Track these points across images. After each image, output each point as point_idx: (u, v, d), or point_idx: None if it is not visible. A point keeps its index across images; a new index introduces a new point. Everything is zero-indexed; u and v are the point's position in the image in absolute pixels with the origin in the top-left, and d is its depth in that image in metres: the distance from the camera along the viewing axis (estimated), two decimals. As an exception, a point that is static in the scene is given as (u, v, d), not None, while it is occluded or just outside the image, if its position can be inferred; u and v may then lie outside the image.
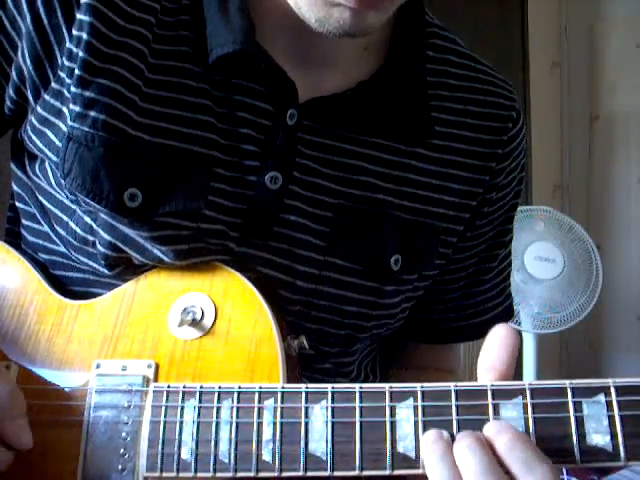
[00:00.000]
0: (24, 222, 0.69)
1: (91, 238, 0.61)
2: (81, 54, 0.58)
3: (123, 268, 0.61)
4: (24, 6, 0.59)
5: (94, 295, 0.62)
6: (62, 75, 0.59)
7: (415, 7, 0.68)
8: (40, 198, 0.66)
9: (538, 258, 2.09)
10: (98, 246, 0.60)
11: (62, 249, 0.64)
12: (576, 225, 2.15)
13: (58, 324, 0.60)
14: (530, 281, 2.09)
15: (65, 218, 0.63)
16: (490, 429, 0.47)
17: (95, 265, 0.62)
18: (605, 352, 2.89)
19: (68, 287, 0.65)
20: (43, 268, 0.66)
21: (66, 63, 0.59)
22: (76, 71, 0.58)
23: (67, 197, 0.60)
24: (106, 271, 0.61)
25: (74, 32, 0.58)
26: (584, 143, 2.94)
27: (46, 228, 0.66)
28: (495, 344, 0.50)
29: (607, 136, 2.88)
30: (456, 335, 0.78)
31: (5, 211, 0.74)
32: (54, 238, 0.65)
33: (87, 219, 0.61)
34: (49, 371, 0.58)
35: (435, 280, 0.74)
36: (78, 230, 0.61)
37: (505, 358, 0.50)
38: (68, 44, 0.59)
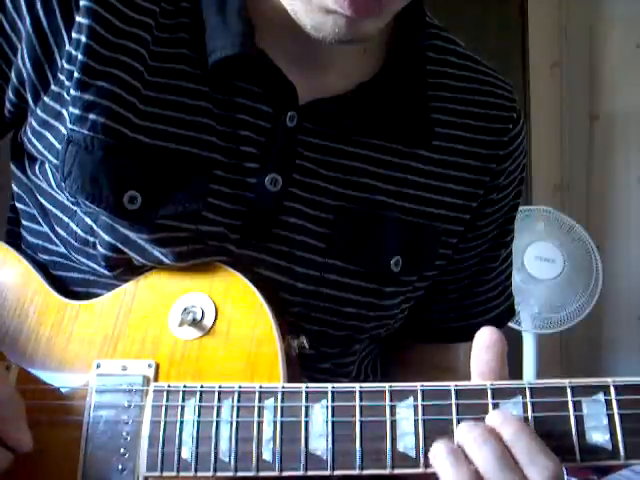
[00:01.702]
0: (24, 223, 0.69)
1: (91, 239, 0.61)
2: (80, 57, 0.58)
3: (123, 269, 0.61)
4: (24, 9, 0.59)
5: (95, 295, 0.62)
6: (62, 78, 0.59)
7: (415, 8, 0.68)
8: (40, 199, 0.66)
9: (538, 258, 2.08)
10: (98, 247, 0.60)
11: (62, 250, 0.64)
12: (576, 225, 2.14)
13: (58, 324, 0.60)
14: (530, 281, 2.08)
15: (65, 219, 0.63)
16: (494, 419, 0.48)
17: (95, 266, 0.62)
18: (605, 352, 2.88)
19: (68, 287, 0.65)
20: (43, 269, 0.66)
21: (65, 66, 0.59)
22: (75, 74, 0.58)
23: (67, 198, 0.61)
24: (106, 272, 0.61)
25: (73, 35, 0.58)
26: (584, 143, 2.94)
27: (46, 229, 0.66)
28: (482, 353, 0.50)
29: (607, 136, 2.87)
30: (458, 335, 0.78)
31: (5, 212, 0.74)
32: (54, 239, 0.65)
33: (88, 220, 0.61)
34: (49, 371, 0.59)
35: (437, 280, 0.74)
36: (79, 231, 0.61)
37: (494, 365, 0.50)
38: (68, 47, 0.59)
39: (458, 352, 0.81)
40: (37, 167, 0.65)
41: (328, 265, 0.64)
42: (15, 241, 0.71)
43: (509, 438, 0.47)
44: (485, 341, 0.50)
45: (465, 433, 0.48)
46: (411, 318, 0.75)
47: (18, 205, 0.70)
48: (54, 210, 0.64)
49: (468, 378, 0.52)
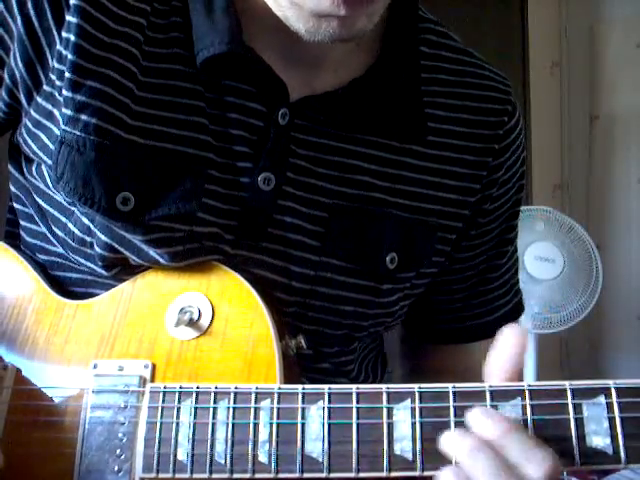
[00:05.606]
0: (22, 223, 0.69)
1: (89, 239, 0.61)
2: (70, 56, 0.58)
3: (120, 269, 0.61)
4: (15, 9, 0.59)
5: (92, 295, 0.62)
6: (53, 77, 0.59)
7: (408, 2, 0.67)
8: (37, 199, 0.65)
9: (538, 258, 2.08)
10: (95, 247, 0.60)
11: (60, 250, 0.64)
12: (576, 225, 2.14)
13: (56, 324, 0.60)
14: (530, 281, 2.08)
15: (63, 219, 0.62)
16: (479, 420, 0.48)
17: (92, 266, 0.62)
18: (605, 352, 2.88)
19: (67, 287, 0.65)
20: (42, 268, 0.66)
21: (56, 65, 0.58)
22: (66, 74, 0.58)
23: (64, 199, 0.60)
24: (103, 272, 0.61)
25: (63, 34, 0.58)
26: (584, 143, 2.93)
27: (44, 229, 0.66)
28: (504, 347, 0.50)
29: (607, 136, 2.87)
30: (469, 334, 0.77)
31: (4, 212, 0.73)
32: (52, 239, 0.65)
33: (85, 220, 0.60)
34: (47, 371, 0.58)
35: (444, 280, 0.74)
36: (76, 231, 0.61)
37: (514, 360, 0.50)
38: (58, 46, 0.58)
39: (475, 353, 0.80)
40: (34, 168, 0.64)
41: (323, 263, 0.64)
42: (14, 241, 0.71)
43: (500, 442, 0.46)
44: (509, 335, 0.50)
45: (457, 446, 0.47)
46: (423, 320, 0.75)
47: (16, 205, 0.70)
48: (51, 210, 0.64)
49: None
